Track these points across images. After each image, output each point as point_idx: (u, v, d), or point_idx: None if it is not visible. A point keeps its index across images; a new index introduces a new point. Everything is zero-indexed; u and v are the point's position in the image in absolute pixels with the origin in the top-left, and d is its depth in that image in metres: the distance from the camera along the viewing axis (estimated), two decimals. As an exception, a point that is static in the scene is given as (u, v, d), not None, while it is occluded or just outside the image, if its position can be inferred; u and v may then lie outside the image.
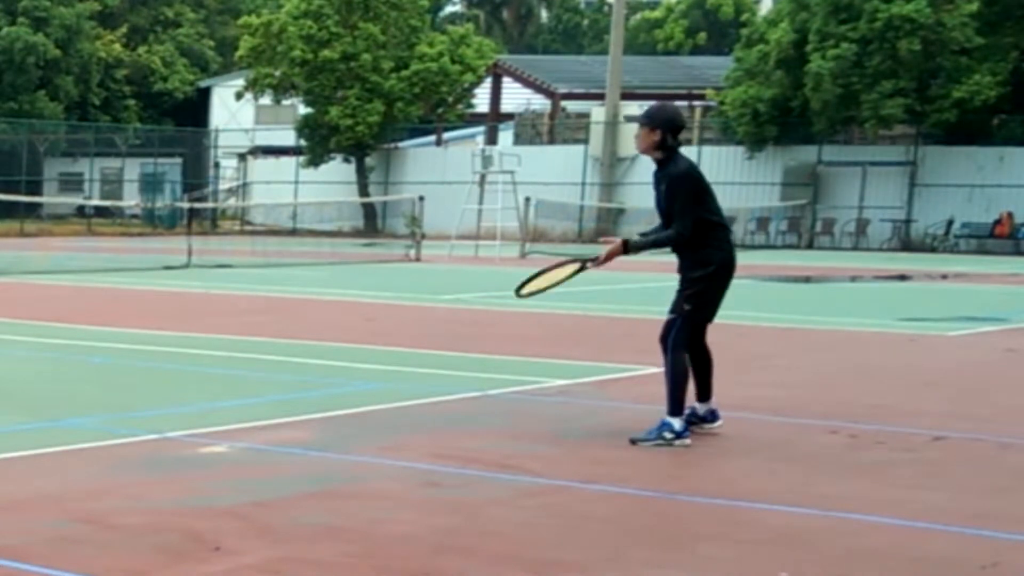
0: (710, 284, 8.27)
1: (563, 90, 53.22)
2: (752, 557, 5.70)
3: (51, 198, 49.57)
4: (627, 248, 8.42)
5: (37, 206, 46.93)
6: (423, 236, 31.72)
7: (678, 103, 53.54)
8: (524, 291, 8.83)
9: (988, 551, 5.82)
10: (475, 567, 5.53)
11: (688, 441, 8.05)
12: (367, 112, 46.73)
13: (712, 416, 8.54)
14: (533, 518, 6.33)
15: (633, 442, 8.08)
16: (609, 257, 8.47)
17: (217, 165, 55.89)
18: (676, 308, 8.26)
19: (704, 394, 8.54)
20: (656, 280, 24.14)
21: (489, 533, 6.06)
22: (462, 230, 36.05)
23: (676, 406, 8.11)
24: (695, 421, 8.44)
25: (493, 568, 5.53)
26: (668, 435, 8.03)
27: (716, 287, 8.32)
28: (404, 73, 47.54)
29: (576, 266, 8.70)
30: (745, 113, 41.93)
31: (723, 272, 8.32)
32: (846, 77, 38.69)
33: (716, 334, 12.96)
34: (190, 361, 11.86)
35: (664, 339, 8.27)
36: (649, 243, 8.45)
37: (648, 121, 8.28)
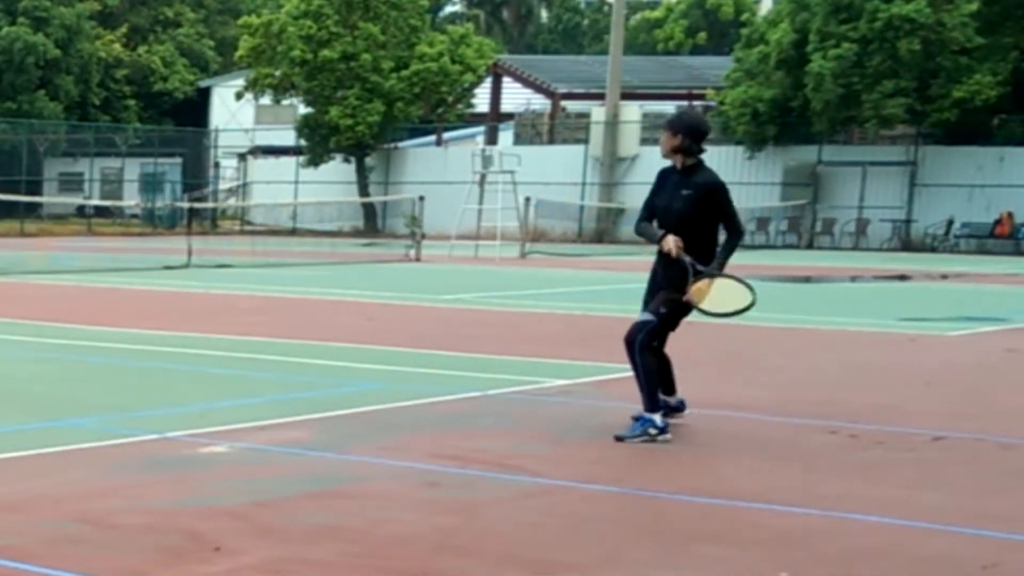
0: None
1: (563, 90, 53.20)
2: (752, 557, 5.70)
3: (51, 198, 49.56)
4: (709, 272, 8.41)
5: (37, 206, 46.93)
6: (423, 236, 31.70)
7: (678, 103, 53.73)
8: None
9: (988, 551, 5.82)
10: (475, 567, 5.53)
11: (669, 436, 8.24)
12: (367, 112, 46.73)
13: (681, 405, 8.84)
14: (533, 518, 6.33)
15: (619, 439, 8.23)
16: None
17: (217, 165, 55.87)
18: (654, 309, 8.48)
19: (668, 388, 8.76)
20: (656, 280, 24.13)
21: (489, 533, 6.06)
22: (462, 230, 36.04)
23: (654, 403, 8.34)
24: (669, 411, 8.67)
25: (493, 568, 5.53)
26: (652, 431, 8.23)
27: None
28: (404, 73, 47.53)
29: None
30: (745, 113, 41.93)
31: None
32: (846, 77, 38.68)
33: (716, 333, 12.98)
34: (190, 361, 11.86)
35: (631, 340, 8.47)
36: (727, 255, 8.47)
37: (669, 126, 8.53)
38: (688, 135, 8.39)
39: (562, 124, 51.43)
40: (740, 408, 9.39)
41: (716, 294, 8.38)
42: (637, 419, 8.40)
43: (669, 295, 8.44)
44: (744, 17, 57.89)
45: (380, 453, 7.80)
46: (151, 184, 53.18)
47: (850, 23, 39.03)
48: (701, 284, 8.34)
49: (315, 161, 49.50)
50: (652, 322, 8.44)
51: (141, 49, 62.75)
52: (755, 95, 41.71)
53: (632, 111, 46.23)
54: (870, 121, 39.61)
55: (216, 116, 60.94)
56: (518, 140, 50.94)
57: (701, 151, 8.50)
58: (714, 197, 8.42)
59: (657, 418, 8.28)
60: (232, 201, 53.58)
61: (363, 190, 49.01)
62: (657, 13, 73.33)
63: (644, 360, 8.40)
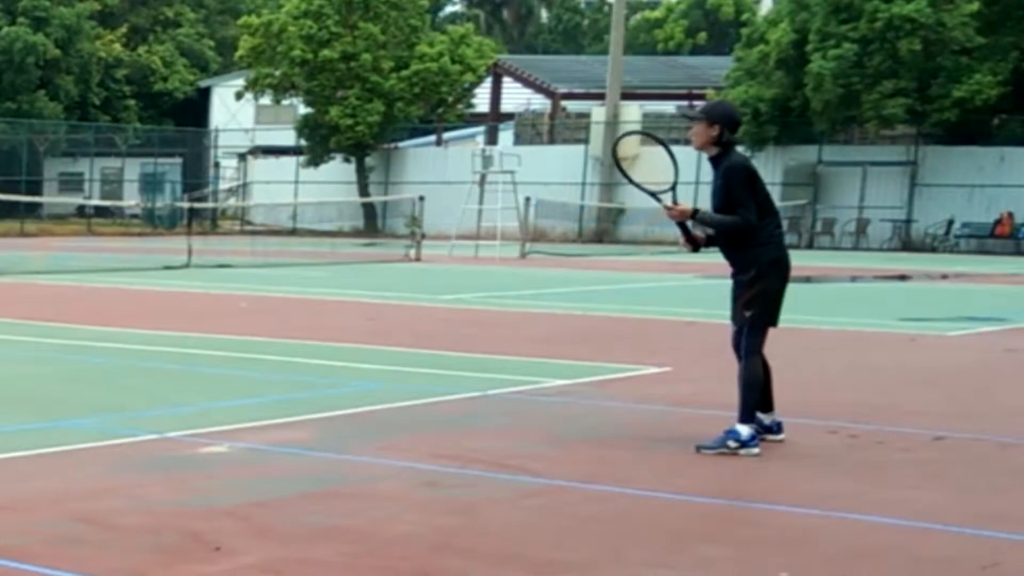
0: (767, 284, 8.12)
1: (563, 90, 53.20)
2: (752, 557, 5.70)
3: (51, 198, 49.56)
4: (694, 215, 8.15)
5: (37, 206, 46.94)
6: (423, 236, 31.71)
7: (678, 103, 53.75)
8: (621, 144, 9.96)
9: (988, 551, 5.81)
10: (475, 567, 5.53)
11: (756, 451, 7.85)
12: (367, 112, 46.74)
13: (777, 427, 8.32)
14: (533, 518, 6.32)
15: (698, 450, 7.88)
16: (678, 214, 8.17)
17: (217, 165, 55.89)
18: (738, 317, 8.13)
19: (766, 404, 8.31)
20: (657, 280, 24.14)
21: (489, 533, 6.06)
22: (462, 230, 36.04)
23: (746, 414, 7.95)
24: (759, 431, 8.26)
25: (493, 568, 5.52)
26: (732, 443, 7.85)
27: (774, 286, 8.18)
28: (404, 73, 47.54)
29: (662, 190, 8.27)
30: (745, 113, 41.87)
31: (777, 270, 8.20)
32: (847, 77, 38.68)
33: (717, 333, 12.96)
34: (190, 361, 11.85)
35: (736, 346, 8.15)
36: (716, 221, 8.16)
37: (706, 116, 8.22)
38: (726, 125, 8.13)
39: (562, 124, 51.43)
40: (740, 408, 9.37)
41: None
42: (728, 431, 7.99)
43: (746, 294, 8.08)
44: (744, 17, 57.92)
45: (380, 453, 7.80)
46: (151, 184, 53.19)
47: (850, 23, 39.03)
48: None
49: (315, 161, 49.52)
50: (743, 328, 8.07)
51: (141, 49, 62.74)
52: (755, 95, 41.72)
53: (632, 111, 46.20)
54: (870, 121, 39.61)
55: (216, 116, 60.94)
56: (518, 140, 50.95)
57: (736, 142, 8.26)
58: (727, 178, 8.06)
59: (744, 430, 7.85)
60: (232, 201, 53.59)
61: (363, 190, 49.02)
62: (657, 13, 73.36)
63: (747, 367, 8.00)
